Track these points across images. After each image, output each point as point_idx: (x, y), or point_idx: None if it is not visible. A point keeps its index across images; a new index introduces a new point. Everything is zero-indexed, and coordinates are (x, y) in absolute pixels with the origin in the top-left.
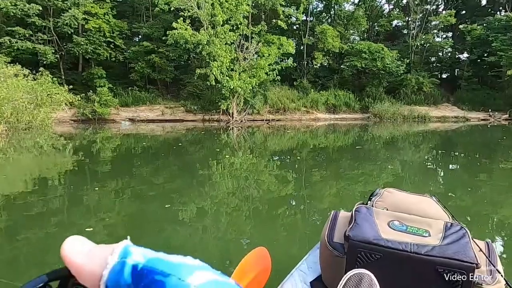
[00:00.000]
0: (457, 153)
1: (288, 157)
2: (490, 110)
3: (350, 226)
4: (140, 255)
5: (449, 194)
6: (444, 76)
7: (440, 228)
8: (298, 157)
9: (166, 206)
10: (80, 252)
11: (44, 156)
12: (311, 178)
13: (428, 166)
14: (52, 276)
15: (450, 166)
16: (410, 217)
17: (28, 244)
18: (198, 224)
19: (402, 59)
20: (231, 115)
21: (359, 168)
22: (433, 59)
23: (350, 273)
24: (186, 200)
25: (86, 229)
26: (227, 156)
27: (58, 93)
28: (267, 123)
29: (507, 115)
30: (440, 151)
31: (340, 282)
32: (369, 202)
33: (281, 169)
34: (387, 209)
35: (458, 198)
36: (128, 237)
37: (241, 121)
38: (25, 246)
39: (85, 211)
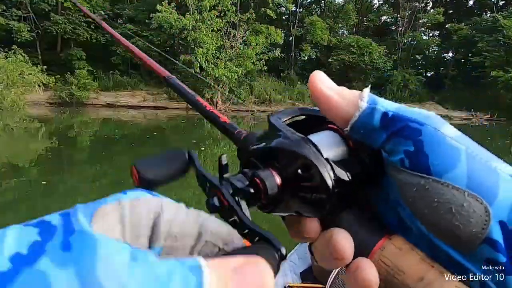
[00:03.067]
0: None
1: None
2: (472, 110)
3: None
4: (388, 103)
5: None
6: (429, 74)
7: None
8: None
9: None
10: (330, 86)
11: (15, 140)
12: None
13: None
14: (306, 111)
15: None
16: None
17: None
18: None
19: (389, 55)
20: (215, 104)
21: None
22: (419, 57)
23: (339, 269)
24: (166, 189)
25: None
26: (209, 147)
27: (31, 73)
28: (252, 114)
29: (489, 116)
30: None
31: (332, 274)
32: None
33: None
34: None
35: None
36: (369, 85)
37: (226, 111)
38: None
39: (59, 199)
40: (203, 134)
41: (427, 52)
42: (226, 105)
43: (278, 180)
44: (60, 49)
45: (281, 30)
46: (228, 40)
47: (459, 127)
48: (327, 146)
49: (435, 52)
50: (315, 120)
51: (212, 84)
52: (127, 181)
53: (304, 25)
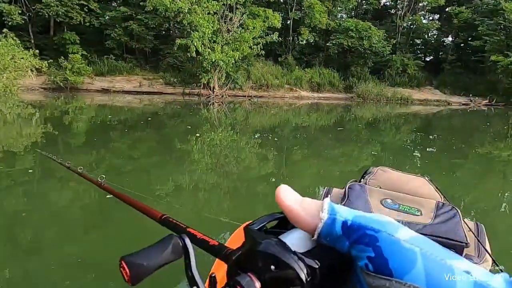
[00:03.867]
0: (436, 136)
1: (270, 135)
2: (470, 95)
3: (343, 202)
4: (347, 213)
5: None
6: (428, 59)
7: (432, 207)
8: (280, 135)
9: (144, 180)
10: (295, 202)
11: (8, 126)
12: (292, 156)
13: (407, 148)
14: (278, 216)
15: (428, 149)
16: (403, 196)
17: None
18: (175, 200)
19: (388, 39)
20: (212, 89)
21: (339, 148)
22: (418, 41)
23: None
24: (164, 176)
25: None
26: (206, 132)
27: (23, 58)
28: (249, 100)
29: (487, 101)
30: (419, 134)
31: None
32: (362, 179)
33: (262, 147)
34: (380, 187)
35: (434, 180)
36: (329, 195)
37: (222, 96)
38: None
39: (56, 184)
40: (200, 119)
41: (426, 36)
42: (223, 90)
43: (257, 284)
44: (53, 33)
45: (279, 13)
46: (225, 23)
47: (457, 112)
48: (296, 241)
49: (435, 36)
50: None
51: (209, 68)
52: (124, 167)
53: (302, 8)
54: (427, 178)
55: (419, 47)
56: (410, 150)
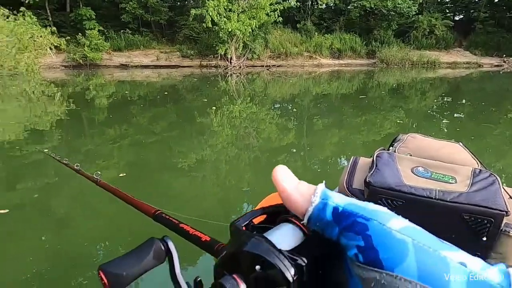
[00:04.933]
0: (463, 101)
1: (290, 105)
2: (504, 55)
3: (371, 172)
4: (339, 199)
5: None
6: (457, 18)
7: (468, 174)
8: (300, 105)
9: (166, 154)
10: (291, 183)
11: (33, 105)
12: (313, 126)
13: (433, 115)
14: (266, 210)
15: (455, 114)
16: (435, 163)
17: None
18: (198, 172)
19: None
20: (229, 60)
21: (362, 117)
22: None
23: None
24: (185, 149)
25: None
26: (225, 105)
27: (41, 36)
28: (268, 69)
29: None
30: (447, 99)
31: None
32: (391, 147)
33: (282, 117)
34: (410, 155)
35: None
36: (324, 181)
37: (240, 67)
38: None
39: (85, 159)
40: (218, 92)
41: None
42: (241, 60)
43: (242, 286)
44: (69, 9)
45: None
46: None
47: (489, 74)
48: (283, 238)
49: None
50: (280, 212)
51: (226, 38)
52: (146, 140)
53: None
54: (461, 144)
55: (448, 5)
56: (437, 117)
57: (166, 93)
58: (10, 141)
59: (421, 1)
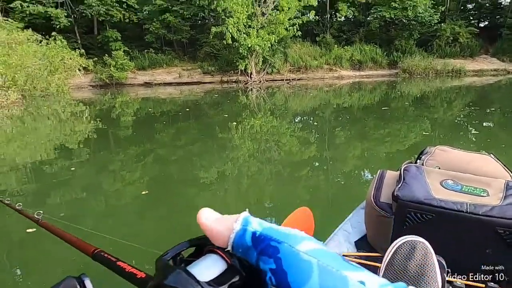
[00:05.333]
0: (493, 110)
1: (311, 118)
2: None
3: (399, 185)
4: (257, 224)
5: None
6: (482, 25)
7: (501, 187)
8: (321, 118)
9: (189, 169)
10: (212, 219)
11: (63, 124)
12: (334, 139)
13: (460, 124)
14: (193, 242)
15: (484, 123)
16: (466, 176)
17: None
18: (221, 186)
19: (436, 6)
20: (249, 75)
21: (385, 128)
22: (471, 6)
23: (402, 240)
24: (207, 164)
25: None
26: (246, 119)
27: (71, 58)
28: (288, 83)
29: None
30: (474, 108)
31: (389, 249)
32: (418, 161)
33: (303, 130)
34: (439, 168)
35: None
36: (247, 209)
37: (260, 81)
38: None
39: (110, 174)
40: (239, 106)
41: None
42: (260, 75)
43: None
44: (97, 32)
45: None
46: (259, 6)
47: None
48: (204, 269)
49: None
50: (205, 245)
51: (245, 54)
52: (170, 157)
53: None
54: (492, 156)
55: (472, 12)
56: (464, 126)
57: (187, 109)
58: (42, 160)
59: (443, 9)
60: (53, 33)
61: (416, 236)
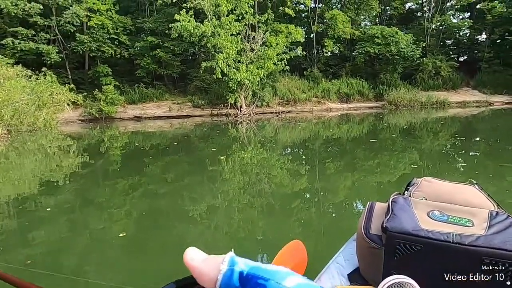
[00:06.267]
0: (478, 139)
1: (301, 150)
2: None
3: (387, 217)
4: (243, 264)
5: (469, 181)
6: (461, 59)
7: (485, 217)
8: (311, 149)
9: (178, 203)
10: (198, 260)
11: (49, 158)
12: (324, 170)
13: (448, 154)
14: (180, 283)
15: (471, 153)
16: (451, 207)
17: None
18: (210, 221)
19: (417, 42)
20: (239, 108)
21: (374, 159)
22: (450, 41)
23: (391, 281)
24: (197, 197)
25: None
26: (236, 152)
27: (60, 93)
28: (277, 115)
29: None
30: (460, 138)
31: (387, 280)
32: (406, 192)
33: (293, 162)
34: (425, 199)
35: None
36: (232, 249)
37: (250, 114)
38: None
39: (96, 210)
40: (229, 139)
41: (458, 36)
42: (250, 108)
43: None
44: (88, 67)
45: (302, 28)
46: (248, 43)
47: (501, 112)
48: None
49: (467, 35)
50: (192, 285)
51: (235, 88)
52: (159, 191)
53: (325, 20)
54: (476, 186)
55: (451, 47)
56: (451, 156)
57: (176, 143)
58: (24, 196)
59: (424, 45)
60: (43, 69)
61: (405, 277)
